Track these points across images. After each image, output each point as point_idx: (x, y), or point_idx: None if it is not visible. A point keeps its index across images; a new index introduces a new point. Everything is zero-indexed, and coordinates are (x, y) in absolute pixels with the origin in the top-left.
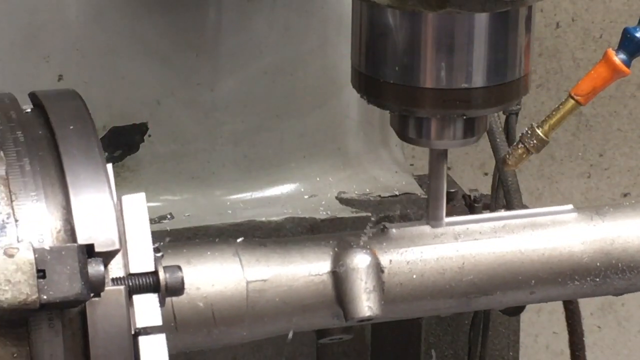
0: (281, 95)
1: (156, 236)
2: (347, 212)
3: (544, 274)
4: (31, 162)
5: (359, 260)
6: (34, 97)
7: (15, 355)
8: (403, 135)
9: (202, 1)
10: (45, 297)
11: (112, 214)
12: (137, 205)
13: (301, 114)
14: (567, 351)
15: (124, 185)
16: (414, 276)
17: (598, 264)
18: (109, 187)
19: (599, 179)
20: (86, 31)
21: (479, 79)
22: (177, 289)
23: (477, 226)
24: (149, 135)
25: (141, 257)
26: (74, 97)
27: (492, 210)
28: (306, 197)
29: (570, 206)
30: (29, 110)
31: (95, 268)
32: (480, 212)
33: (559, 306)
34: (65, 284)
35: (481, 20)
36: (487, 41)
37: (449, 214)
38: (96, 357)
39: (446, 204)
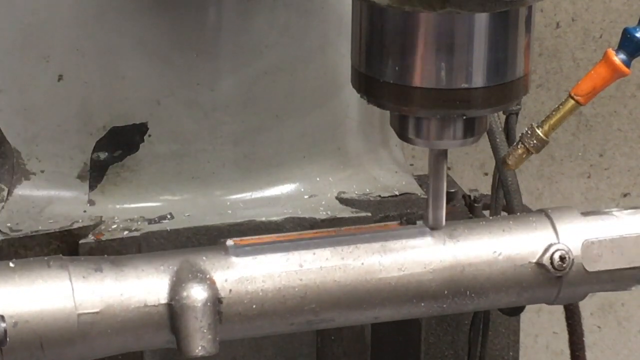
0: (281, 95)
1: None
2: (347, 212)
3: (390, 302)
4: None
5: (196, 295)
6: None
7: None
8: (403, 135)
9: (202, 1)
10: None
11: None
12: None
13: (301, 114)
14: (567, 351)
15: (124, 185)
16: (254, 306)
17: (446, 292)
18: None
19: (599, 179)
20: (86, 31)
21: (479, 79)
22: None
23: (326, 252)
24: (149, 135)
25: None
26: None
27: (492, 211)
28: (306, 197)
29: (425, 229)
30: None
31: None
32: (480, 212)
33: (559, 306)
34: None
35: (481, 20)
36: (487, 41)
37: (448, 214)
38: None
39: (446, 204)
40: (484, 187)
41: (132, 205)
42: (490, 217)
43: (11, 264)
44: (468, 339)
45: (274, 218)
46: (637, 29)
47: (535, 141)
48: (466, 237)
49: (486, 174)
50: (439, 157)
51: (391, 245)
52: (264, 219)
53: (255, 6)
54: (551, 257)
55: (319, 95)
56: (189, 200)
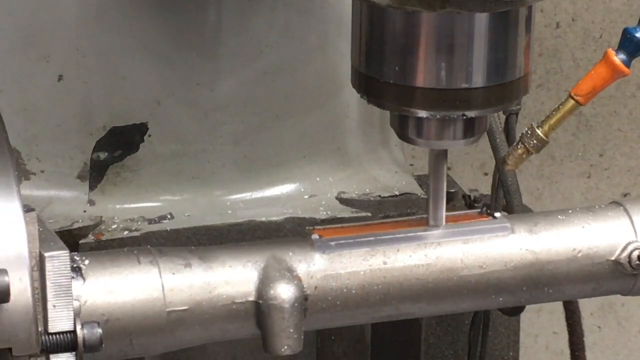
0: (281, 95)
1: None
2: (347, 212)
3: (469, 297)
4: None
5: (283, 295)
6: None
7: None
8: (403, 135)
9: (202, 1)
10: None
11: (20, 225)
12: (60, 263)
13: (301, 114)
14: (567, 351)
15: (124, 185)
16: (338, 302)
17: (524, 288)
18: (17, 198)
19: (599, 179)
20: (86, 31)
21: (478, 79)
22: (94, 346)
23: (409, 248)
24: (149, 135)
25: (60, 315)
26: None
27: (492, 211)
28: (306, 197)
29: (507, 224)
30: None
31: None
32: None
33: (559, 306)
34: None
35: (481, 20)
36: (487, 41)
37: (449, 214)
38: None
39: (446, 204)
40: (484, 187)
41: (132, 205)
42: (569, 211)
43: (102, 259)
44: (468, 339)
45: (274, 218)
46: (637, 29)
47: (535, 141)
48: (547, 235)
49: (486, 174)
50: (439, 157)
51: (473, 242)
52: (264, 219)
53: (255, 6)
54: (629, 256)
55: (319, 95)
56: (189, 200)
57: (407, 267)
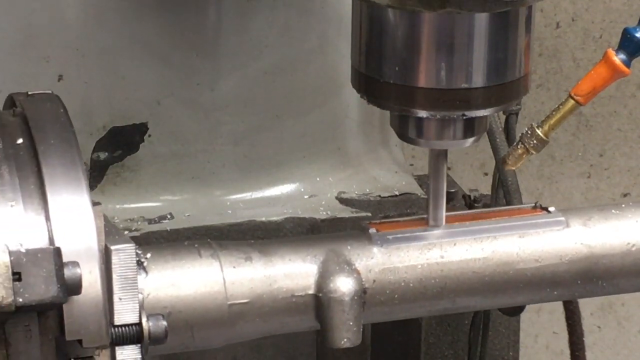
0: (281, 95)
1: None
2: (347, 212)
3: (524, 290)
4: (10, 169)
5: (343, 288)
6: (12, 100)
7: None
8: (403, 135)
9: (202, 1)
10: (21, 300)
11: (90, 218)
12: (126, 256)
13: (301, 114)
14: (567, 351)
15: (124, 185)
16: (395, 296)
17: (579, 282)
18: (87, 192)
19: (599, 179)
20: (86, 31)
21: (478, 79)
22: (159, 338)
23: (466, 242)
24: (149, 135)
25: (126, 308)
26: (55, 103)
27: None
28: (306, 197)
29: (561, 218)
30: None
31: (72, 270)
32: None
33: (559, 306)
34: (41, 287)
35: (481, 20)
36: (487, 41)
37: (448, 214)
38: None
39: (446, 204)
40: (484, 187)
41: (132, 205)
42: (622, 205)
43: (163, 253)
44: (468, 339)
45: (274, 218)
46: (637, 29)
47: (535, 141)
48: (601, 229)
49: (486, 174)
50: (439, 157)
51: (529, 236)
52: (264, 219)
53: (255, 6)
54: None
55: (319, 95)
56: (189, 200)
57: (463, 261)
